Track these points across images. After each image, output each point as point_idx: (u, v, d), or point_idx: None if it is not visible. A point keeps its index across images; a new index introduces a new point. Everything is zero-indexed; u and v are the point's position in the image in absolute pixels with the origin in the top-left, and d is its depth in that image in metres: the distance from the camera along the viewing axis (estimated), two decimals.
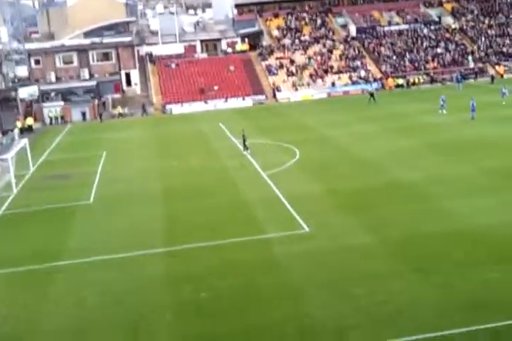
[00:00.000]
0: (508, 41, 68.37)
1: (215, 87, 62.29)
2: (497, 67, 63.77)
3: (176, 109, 59.79)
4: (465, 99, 45.59)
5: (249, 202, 27.42)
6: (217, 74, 65.16)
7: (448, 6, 75.56)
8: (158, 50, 69.52)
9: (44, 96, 60.84)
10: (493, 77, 60.15)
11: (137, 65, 67.34)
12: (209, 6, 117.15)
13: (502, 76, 61.79)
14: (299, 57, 66.70)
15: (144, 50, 69.99)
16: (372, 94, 54.09)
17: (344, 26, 72.80)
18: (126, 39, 68.58)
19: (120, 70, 66.51)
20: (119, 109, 59.41)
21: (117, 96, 63.98)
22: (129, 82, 66.67)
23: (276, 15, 74.45)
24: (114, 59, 67.10)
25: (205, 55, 70.49)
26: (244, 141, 37.14)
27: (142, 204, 28.32)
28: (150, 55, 68.48)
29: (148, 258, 21.68)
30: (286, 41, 69.96)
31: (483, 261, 19.30)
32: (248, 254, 21.42)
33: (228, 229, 24.10)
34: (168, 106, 60.18)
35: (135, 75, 66.80)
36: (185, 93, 62.28)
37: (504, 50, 66.93)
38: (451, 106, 46.01)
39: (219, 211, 26.53)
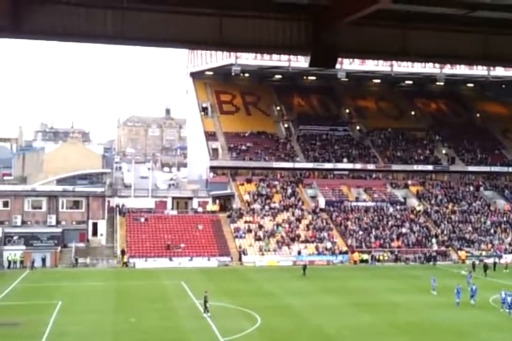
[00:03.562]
0: (470, 228, 70.71)
1: (182, 245, 62.20)
2: (459, 252, 65.25)
3: (140, 263, 59.00)
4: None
5: None
6: (185, 231, 65.44)
7: (413, 189, 79.13)
8: (129, 202, 70.32)
9: (6, 239, 59.89)
10: (495, 264, 59.00)
11: (106, 215, 67.57)
12: (184, 165, 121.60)
13: (463, 261, 62.85)
14: (268, 223, 67.81)
15: (114, 201, 70.72)
16: (305, 267, 54.27)
17: (313, 197, 75.10)
18: (99, 190, 69.50)
19: (88, 219, 66.51)
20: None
21: (81, 245, 63.28)
22: (95, 232, 66.35)
23: (248, 181, 76.88)
24: (83, 207, 67.32)
25: (175, 212, 71.28)
26: (205, 302, 36.26)
27: None
28: (120, 207, 69.08)
29: None
30: (257, 206, 71.54)
31: None
32: None
33: None
34: (131, 260, 59.42)
35: (102, 226, 66.67)
36: (151, 248, 61.89)
37: (466, 236, 68.97)
38: (416, 287, 46.20)
39: None
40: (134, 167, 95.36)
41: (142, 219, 66.71)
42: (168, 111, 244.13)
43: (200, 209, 72.01)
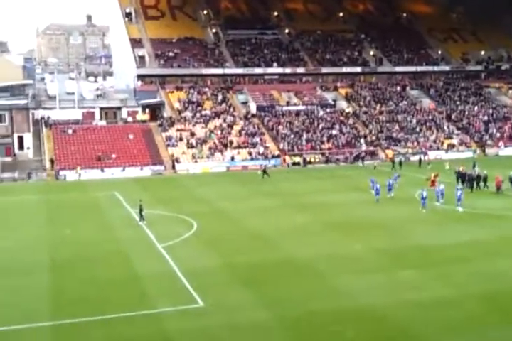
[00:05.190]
0: (396, 127, 72.45)
1: (113, 155, 61.41)
2: (386, 150, 67.10)
3: (71, 175, 58.09)
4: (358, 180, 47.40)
5: (142, 275, 26.48)
6: (115, 142, 64.41)
7: (343, 91, 79.70)
8: (55, 114, 68.20)
9: None
10: (420, 160, 61.91)
11: (31, 128, 65.53)
12: (110, 74, 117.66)
13: (391, 159, 64.74)
14: (200, 131, 67.43)
15: (39, 113, 68.42)
16: (264, 170, 55.13)
17: (244, 103, 74.81)
18: (22, 102, 66.99)
19: (13, 133, 64.46)
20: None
21: (8, 159, 61.62)
22: (21, 146, 64.53)
23: (178, 89, 75.49)
24: (7, 121, 65.07)
25: (103, 123, 69.76)
26: (140, 211, 36.33)
27: (27, 275, 26.65)
28: (46, 119, 66.94)
29: (31, 332, 20.25)
30: (188, 114, 70.75)
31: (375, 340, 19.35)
32: (138, 330, 20.51)
33: (118, 303, 23.05)
34: (62, 173, 58.41)
35: (28, 139, 64.86)
36: (81, 160, 60.81)
37: (393, 135, 70.75)
38: (348, 186, 47.69)
39: (109, 284, 25.40)
40: (58, 77, 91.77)
41: (70, 131, 65.07)
42: (89, 18, 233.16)
43: (130, 119, 70.75)
